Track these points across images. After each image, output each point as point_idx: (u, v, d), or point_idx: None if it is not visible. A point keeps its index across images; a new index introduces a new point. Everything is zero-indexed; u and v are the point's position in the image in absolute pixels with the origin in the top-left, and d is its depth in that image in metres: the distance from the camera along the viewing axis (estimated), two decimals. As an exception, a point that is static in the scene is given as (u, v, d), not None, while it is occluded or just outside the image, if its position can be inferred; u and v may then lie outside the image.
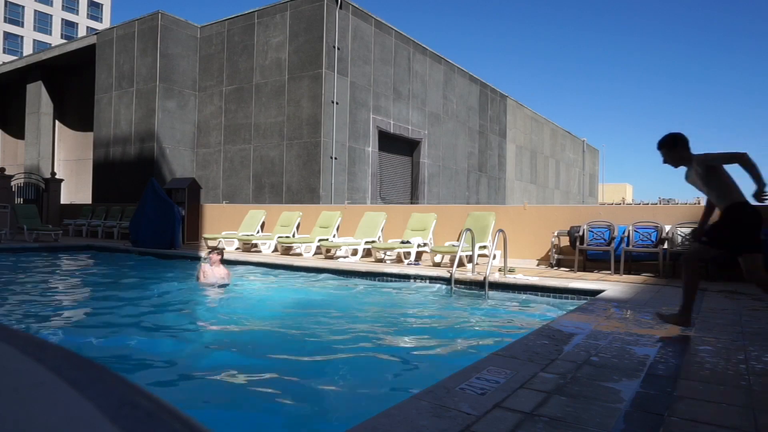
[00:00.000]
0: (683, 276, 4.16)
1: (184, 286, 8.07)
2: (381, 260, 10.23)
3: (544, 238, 9.86)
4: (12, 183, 17.28)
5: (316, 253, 11.63)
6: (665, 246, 8.27)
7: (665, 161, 4.18)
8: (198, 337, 5.10)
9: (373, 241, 10.87)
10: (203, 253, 7.50)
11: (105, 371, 0.50)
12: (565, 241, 9.45)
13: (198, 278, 7.55)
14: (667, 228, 8.50)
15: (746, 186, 3.75)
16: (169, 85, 19.10)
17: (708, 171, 3.97)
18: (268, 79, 18.20)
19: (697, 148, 4.15)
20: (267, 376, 3.83)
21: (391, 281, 8.26)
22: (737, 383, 2.83)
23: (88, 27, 64.01)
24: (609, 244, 8.62)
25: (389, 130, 20.09)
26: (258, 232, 13.17)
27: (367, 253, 11.12)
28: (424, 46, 22.32)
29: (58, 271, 9.86)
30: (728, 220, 3.93)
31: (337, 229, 12.03)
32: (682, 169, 4.24)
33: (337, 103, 17.42)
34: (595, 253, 8.86)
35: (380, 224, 11.25)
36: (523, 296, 7.02)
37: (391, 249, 10.05)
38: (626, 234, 8.64)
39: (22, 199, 18.13)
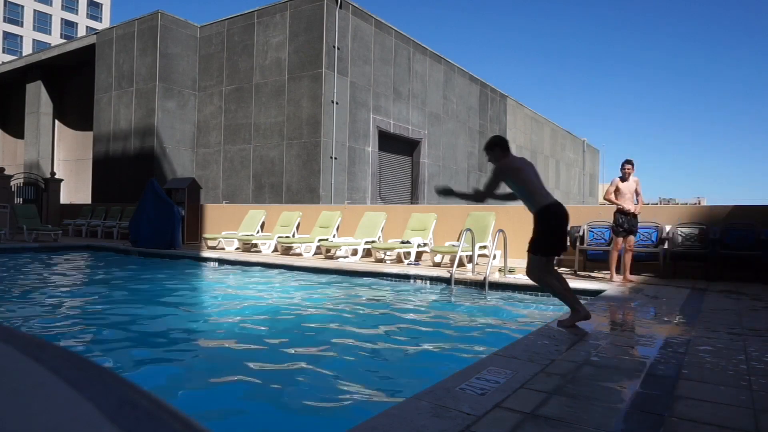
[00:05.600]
0: (548, 289, 4.50)
1: (183, 286, 8.07)
2: (381, 260, 10.23)
3: (544, 238, 9.84)
4: (12, 183, 17.27)
5: (316, 253, 11.62)
6: (665, 246, 8.27)
7: None
8: (196, 337, 5.10)
9: (373, 241, 10.86)
10: None
11: (105, 371, 0.50)
12: (565, 241, 9.43)
13: None
14: (667, 228, 8.49)
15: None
16: (169, 85, 19.09)
17: None
18: (268, 79, 18.20)
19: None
20: (267, 376, 3.83)
21: (391, 281, 8.26)
22: (737, 383, 2.83)
23: (87, 27, 63.96)
24: (609, 244, 8.61)
25: (389, 130, 20.09)
26: (258, 232, 13.17)
27: (367, 253, 11.12)
28: (424, 46, 22.32)
29: (57, 272, 9.86)
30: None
31: (337, 229, 12.03)
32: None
33: (337, 103, 17.42)
34: (595, 253, 8.86)
35: (380, 224, 11.25)
36: (523, 296, 7.01)
37: (391, 249, 10.04)
38: (626, 234, 8.62)
39: (21, 199, 18.12)
